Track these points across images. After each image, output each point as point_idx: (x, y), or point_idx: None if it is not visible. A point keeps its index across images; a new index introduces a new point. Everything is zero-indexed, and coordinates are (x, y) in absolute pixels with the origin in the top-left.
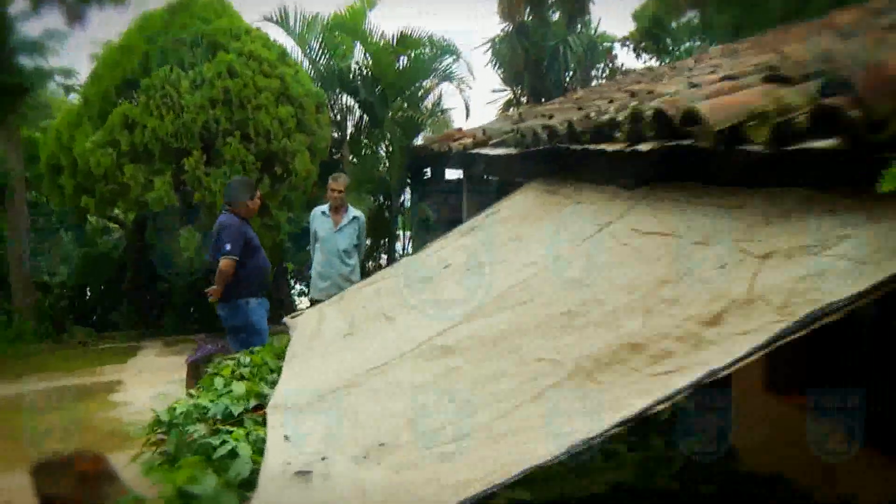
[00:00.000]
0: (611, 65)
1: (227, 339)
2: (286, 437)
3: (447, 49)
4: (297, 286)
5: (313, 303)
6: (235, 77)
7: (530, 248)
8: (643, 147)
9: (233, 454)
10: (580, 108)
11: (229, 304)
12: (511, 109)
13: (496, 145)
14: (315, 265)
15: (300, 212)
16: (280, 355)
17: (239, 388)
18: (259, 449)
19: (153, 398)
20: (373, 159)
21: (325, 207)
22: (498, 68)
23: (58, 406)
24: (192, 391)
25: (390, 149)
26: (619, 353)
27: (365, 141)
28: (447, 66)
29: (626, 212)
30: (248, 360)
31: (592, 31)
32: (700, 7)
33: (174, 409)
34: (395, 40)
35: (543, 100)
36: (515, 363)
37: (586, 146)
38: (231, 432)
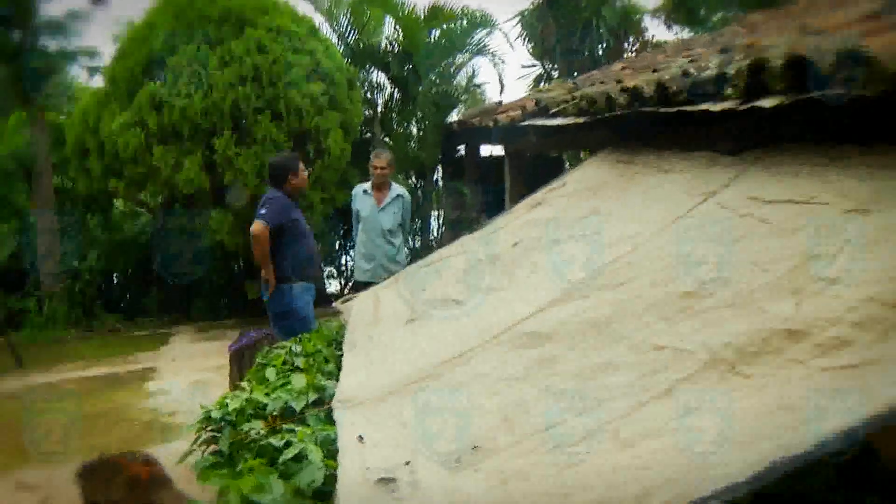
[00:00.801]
0: (641, 38)
1: (271, 327)
2: (360, 438)
3: (483, 21)
4: (327, 269)
5: (357, 286)
6: (265, 53)
7: (615, 223)
8: (767, 103)
9: (299, 458)
10: (655, 71)
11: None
12: (542, 84)
13: (553, 115)
14: (358, 246)
15: (334, 192)
16: (332, 342)
17: (299, 380)
18: (329, 451)
19: (189, 387)
20: (404, 137)
21: (367, 185)
22: (528, 42)
23: (93, 395)
24: (244, 383)
25: (423, 126)
26: (769, 341)
27: (398, 119)
28: (480, 39)
29: (734, 179)
30: (299, 348)
31: (625, 2)
32: None
33: (225, 403)
34: (426, 13)
35: (576, 74)
36: (628, 352)
37: (683, 107)
38: (294, 431)
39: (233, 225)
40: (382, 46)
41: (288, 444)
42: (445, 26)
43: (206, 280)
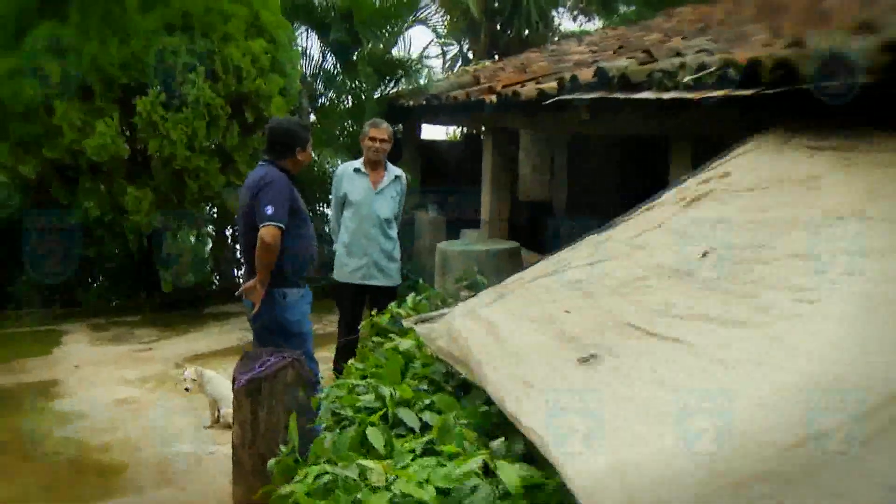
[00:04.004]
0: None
1: (254, 343)
2: None
3: None
4: None
5: (340, 288)
6: None
7: None
8: None
9: None
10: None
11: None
12: (458, 65)
13: (632, 88)
14: (343, 238)
15: None
16: (419, 378)
17: (508, 472)
18: None
19: (114, 408)
20: (336, 112)
21: (357, 163)
22: (444, 16)
23: None
24: (370, 463)
25: (362, 98)
26: None
27: (332, 89)
28: (426, 5)
29: None
30: (392, 391)
31: None
32: None
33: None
34: None
35: (497, 56)
36: None
37: None
38: None
39: (152, 203)
40: (317, 2)
41: None
42: None
43: (98, 265)
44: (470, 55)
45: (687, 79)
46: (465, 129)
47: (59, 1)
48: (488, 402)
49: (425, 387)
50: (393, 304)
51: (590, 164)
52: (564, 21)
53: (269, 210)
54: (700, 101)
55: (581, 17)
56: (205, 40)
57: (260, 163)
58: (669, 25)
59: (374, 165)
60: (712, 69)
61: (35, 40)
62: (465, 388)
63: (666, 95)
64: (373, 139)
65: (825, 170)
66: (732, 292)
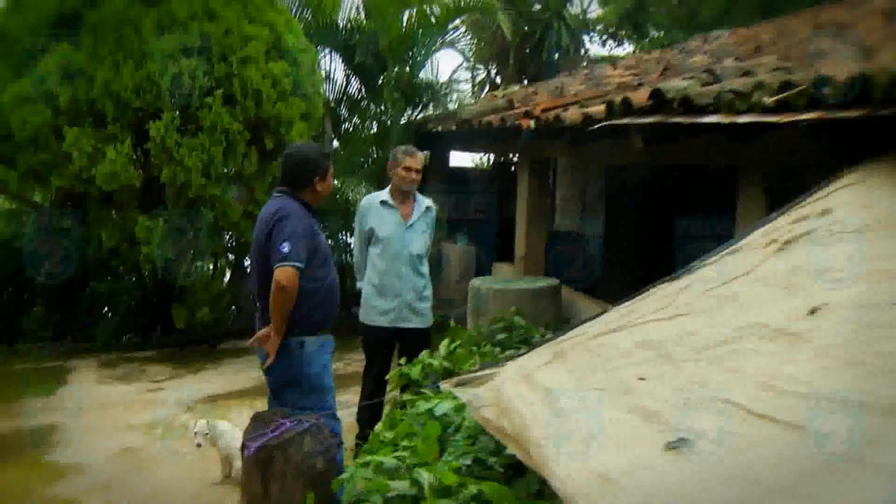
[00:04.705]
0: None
1: (269, 399)
2: None
3: (471, 6)
4: None
5: (367, 331)
6: (215, 20)
7: None
8: None
9: None
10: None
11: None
12: (486, 90)
13: (696, 112)
14: (370, 278)
15: None
16: (465, 455)
17: None
18: None
19: (117, 460)
20: (361, 138)
21: (383, 195)
22: (472, 41)
23: None
24: None
25: (388, 124)
26: None
27: (356, 114)
28: (454, 27)
29: None
30: (431, 478)
31: (584, 8)
32: None
33: None
34: None
35: (526, 82)
36: None
37: None
38: None
39: (164, 234)
40: (343, 27)
41: None
42: (428, 9)
43: (111, 298)
44: (498, 80)
45: (767, 100)
46: (492, 157)
47: (71, 25)
48: (544, 483)
49: (468, 462)
50: (425, 353)
51: (629, 194)
52: (594, 46)
53: (286, 248)
54: (784, 125)
55: (611, 42)
56: (222, 63)
57: (275, 194)
58: (711, 48)
59: (404, 197)
60: (801, 88)
61: (46, 65)
62: (517, 467)
63: (741, 119)
64: (408, 168)
65: None
66: (869, 365)
